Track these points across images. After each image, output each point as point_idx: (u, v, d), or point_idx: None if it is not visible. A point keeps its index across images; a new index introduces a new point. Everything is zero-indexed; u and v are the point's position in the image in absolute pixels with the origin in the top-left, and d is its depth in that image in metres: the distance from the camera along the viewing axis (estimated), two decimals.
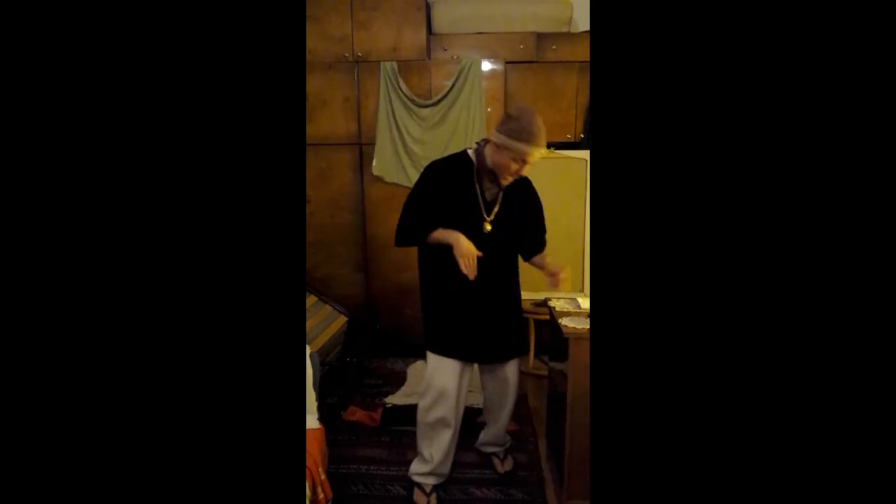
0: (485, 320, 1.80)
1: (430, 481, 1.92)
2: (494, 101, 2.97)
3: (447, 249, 1.67)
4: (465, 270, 1.64)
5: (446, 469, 1.93)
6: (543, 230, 1.93)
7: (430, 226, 1.73)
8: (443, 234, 1.70)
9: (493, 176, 1.71)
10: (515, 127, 1.61)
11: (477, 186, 1.75)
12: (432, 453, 1.88)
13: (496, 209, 1.77)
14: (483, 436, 2.13)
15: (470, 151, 1.79)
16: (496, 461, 2.11)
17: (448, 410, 1.82)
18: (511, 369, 1.93)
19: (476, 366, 1.93)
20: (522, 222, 1.83)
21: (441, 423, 1.84)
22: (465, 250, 1.63)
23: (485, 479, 2.04)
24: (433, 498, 1.91)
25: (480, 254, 1.65)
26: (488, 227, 1.75)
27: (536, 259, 1.90)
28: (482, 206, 1.75)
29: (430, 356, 1.84)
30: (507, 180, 1.71)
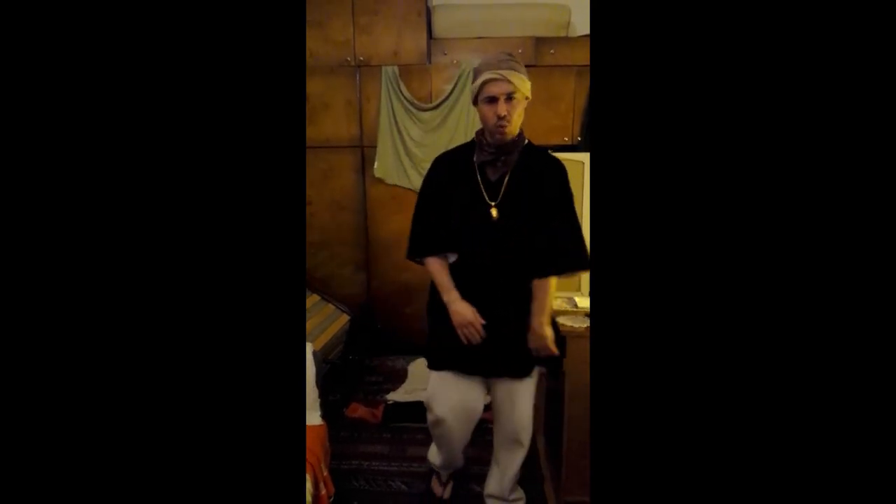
0: (493, 326, 1.49)
1: (447, 471, 1.93)
2: None
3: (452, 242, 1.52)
4: (465, 340, 1.45)
5: (460, 462, 1.89)
6: (573, 236, 1.48)
7: (434, 242, 1.52)
8: (441, 285, 1.50)
9: (491, 145, 1.46)
10: (477, 71, 1.42)
11: (477, 168, 1.49)
12: (443, 454, 1.85)
13: (502, 190, 1.47)
14: (488, 479, 1.80)
15: (475, 137, 1.53)
16: None
17: (446, 434, 1.67)
18: (514, 396, 1.57)
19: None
20: (542, 206, 1.47)
21: (442, 442, 1.76)
22: (462, 318, 1.45)
23: (484, 475, 2.06)
24: (449, 487, 1.92)
25: (483, 321, 1.44)
26: (494, 213, 1.45)
27: (542, 284, 1.47)
28: (483, 189, 1.47)
29: (431, 374, 1.63)
30: (500, 134, 1.42)
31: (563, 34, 3.09)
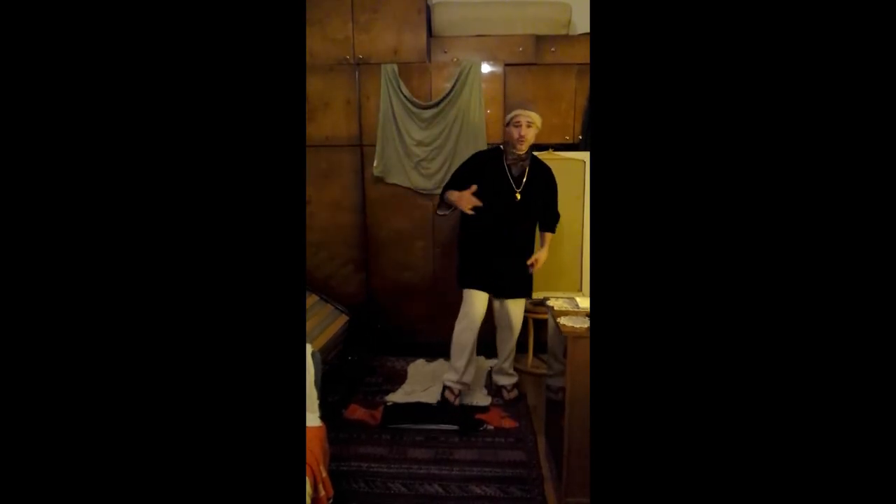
0: (504, 264, 2.48)
1: (458, 387, 2.60)
2: (494, 102, 2.99)
3: (481, 212, 2.38)
4: (466, 209, 2.36)
5: (469, 379, 2.61)
6: (556, 209, 2.59)
7: (456, 187, 2.46)
8: (451, 192, 2.46)
9: (514, 153, 2.41)
10: (510, 108, 2.46)
11: (506, 167, 2.45)
12: (460, 366, 2.55)
13: (524, 183, 2.45)
14: (494, 365, 2.80)
15: (502, 146, 2.53)
16: (504, 392, 2.72)
17: (473, 334, 2.55)
18: (515, 308, 2.60)
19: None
20: (543, 196, 2.51)
21: (468, 342, 2.55)
22: (459, 197, 2.39)
23: (484, 477, 2.06)
24: (460, 398, 2.61)
25: (474, 199, 2.35)
26: (518, 197, 2.44)
27: (546, 235, 2.56)
28: (511, 181, 2.45)
29: (465, 292, 2.55)
30: (520, 147, 2.37)
31: (563, 32, 3.08)
